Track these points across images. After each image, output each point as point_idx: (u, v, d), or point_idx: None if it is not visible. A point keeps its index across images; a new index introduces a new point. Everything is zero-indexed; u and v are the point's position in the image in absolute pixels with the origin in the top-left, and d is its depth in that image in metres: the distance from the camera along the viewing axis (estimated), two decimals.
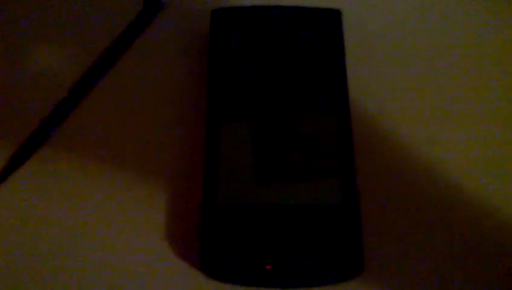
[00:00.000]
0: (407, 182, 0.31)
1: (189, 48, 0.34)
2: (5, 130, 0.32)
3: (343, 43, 0.32)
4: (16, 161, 0.31)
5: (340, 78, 0.31)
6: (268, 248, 0.27)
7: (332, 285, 0.28)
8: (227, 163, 0.29)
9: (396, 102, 0.33)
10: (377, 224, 0.30)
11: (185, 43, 0.34)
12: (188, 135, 0.32)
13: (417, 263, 0.29)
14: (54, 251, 0.29)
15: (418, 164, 0.31)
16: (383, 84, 0.33)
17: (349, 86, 0.33)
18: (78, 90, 0.33)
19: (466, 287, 0.28)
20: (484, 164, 0.31)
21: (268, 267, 0.27)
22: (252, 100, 0.31)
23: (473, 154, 0.31)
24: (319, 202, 0.28)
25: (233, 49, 0.32)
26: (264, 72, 0.31)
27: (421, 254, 0.29)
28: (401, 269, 0.29)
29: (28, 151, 0.31)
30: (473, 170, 0.31)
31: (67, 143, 0.32)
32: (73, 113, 0.32)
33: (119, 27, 0.35)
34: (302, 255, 0.27)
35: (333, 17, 0.33)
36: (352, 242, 0.27)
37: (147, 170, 0.31)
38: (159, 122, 0.32)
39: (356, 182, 0.29)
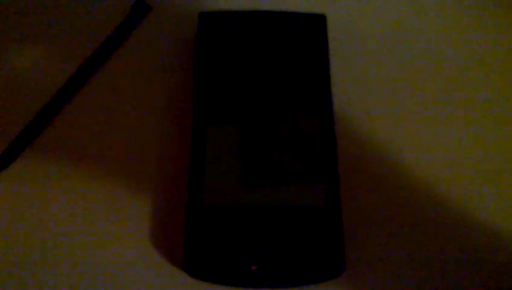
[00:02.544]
0: (391, 184, 0.31)
1: (176, 51, 0.34)
2: None
3: (327, 48, 0.32)
4: (1, 163, 0.31)
5: (324, 82, 0.31)
6: (254, 249, 0.28)
7: (316, 284, 0.29)
8: (213, 165, 0.29)
9: (381, 105, 0.33)
10: (360, 225, 0.30)
11: (172, 46, 0.34)
12: (174, 137, 0.32)
13: (398, 264, 0.29)
14: (37, 252, 0.29)
15: (401, 165, 0.31)
16: (367, 88, 0.33)
17: (333, 90, 0.33)
18: (64, 92, 0.33)
19: (448, 286, 0.29)
20: (470, 167, 0.31)
21: (253, 267, 0.27)
22: (238, 103, 0.31)
23: (458, 156, 0.32)
24: (303, 204, 0.29)
25: (220, 52, 0.32)
26: (249, 75, 0.32)
27: (403, 255, 0.29)
28: (383, 268, 0.29)
29: (13, 153, 0.31)
30: (458, 172, 0.31)
31: (51, 145, 0.32)
32: (59, 115, 0.32)
33: (107, 30, 0.35)
34: (286, 255, 0.28)
35: (318, 22, 0.33)
36: (335, 243, 0.28)
37: (133, 171, 0.31)
38: (145, 125, 0.32)
39: (339, 184, 0.30)
